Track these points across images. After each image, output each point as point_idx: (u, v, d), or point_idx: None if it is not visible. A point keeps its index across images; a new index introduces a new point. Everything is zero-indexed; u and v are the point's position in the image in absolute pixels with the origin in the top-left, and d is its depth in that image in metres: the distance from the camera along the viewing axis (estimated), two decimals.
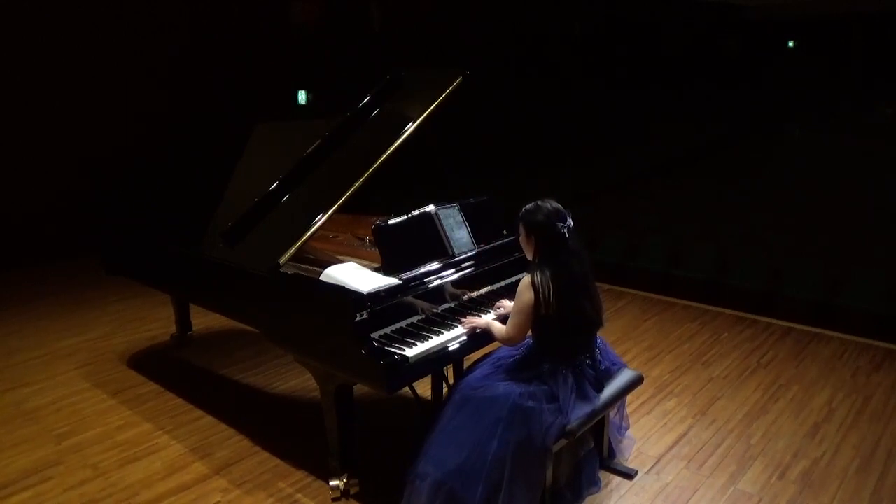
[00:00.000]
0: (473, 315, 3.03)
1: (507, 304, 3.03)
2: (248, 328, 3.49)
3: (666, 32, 13.71)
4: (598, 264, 6.15)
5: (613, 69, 12.97)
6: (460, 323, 2.95)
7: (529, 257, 2.73)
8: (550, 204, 2.67)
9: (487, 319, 2.93)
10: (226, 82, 8.51)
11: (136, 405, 3.98)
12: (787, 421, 3.71)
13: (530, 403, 2.58)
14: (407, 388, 3.22)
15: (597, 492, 2.98)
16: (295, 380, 4.24)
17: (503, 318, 2.90)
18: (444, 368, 3.30)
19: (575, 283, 2.64)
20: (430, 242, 3.21)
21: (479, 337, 2.90)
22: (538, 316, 2.63)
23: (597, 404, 2.74)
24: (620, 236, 6.76)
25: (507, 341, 2.78)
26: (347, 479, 3.01)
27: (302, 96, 9.54)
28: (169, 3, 7.96)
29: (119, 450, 3.48)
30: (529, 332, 2.80)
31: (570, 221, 2.65)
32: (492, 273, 3.32)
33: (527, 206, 2.70)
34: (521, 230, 2.72)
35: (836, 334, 4.96)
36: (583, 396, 2.71)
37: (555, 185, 8.14)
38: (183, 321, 4.84)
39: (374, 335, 2.74)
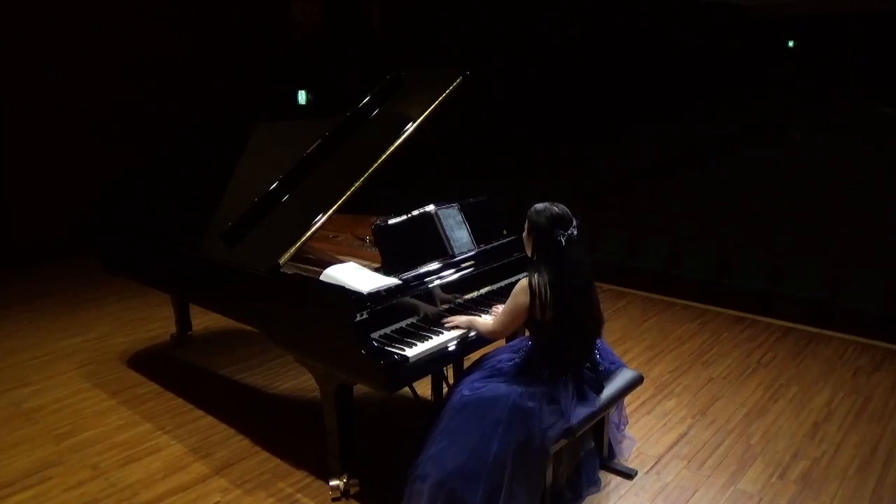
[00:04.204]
0: (467, 315, 3.03)
1: (499, 309, 3.05)
2: (248, 328, 3.50)
3: (666, 32, 13.70)
4: (599, 264, 6.20)
5: (613, 69, 12.98)
6: (444, 327, 2.92)
7: (529, 254, 2.73)
8: (558, 208, 2.64)
9: (470, 317, 2.94)
10: (226, 82, 8.51)
11: (135, 405, 3.98)
12: (787, 421, 3.71)
13: (531, 404, 2.58)
14: (407, 388, 3.23)
15: (597, 492, 2.98)
16: (295, 380, 4.24)
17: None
18: (444, 368, 3.30)
19: (571, 292, 2.62)
20: (430, 242, 3.21)
21: (474, 337, 2.90)
22: (534, 320, 2.63)
23: (597, 405, 2.74)
24: (621, 236, 6.75)
25: (491, 334, 2.83)
26: (347, 479, 3.01)
27: (302, 96, 9.54)
28: (169, 4, 7.97)
29: (119, 450, 3.48)
30: (527, 334, 2.81)
31: (572, 231, 2.60)
32: (492, 273, 3.32)
33: (536, 205, 2.68)
34: (525, 226, 2.71)
35: (836, 334, 4.96)
36: (583, 399, 2.71)
37: (555, 184, 8.14)
38: (183, 321, 4.84)
39: (374, 335, 2.74)
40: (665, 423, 3.68)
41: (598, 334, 2.83)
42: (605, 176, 9.00)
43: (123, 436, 3.63)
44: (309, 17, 9.47)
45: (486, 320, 2.87)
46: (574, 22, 13.43)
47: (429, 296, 3.01)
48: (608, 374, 2.92)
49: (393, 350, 2.70)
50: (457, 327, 2.90)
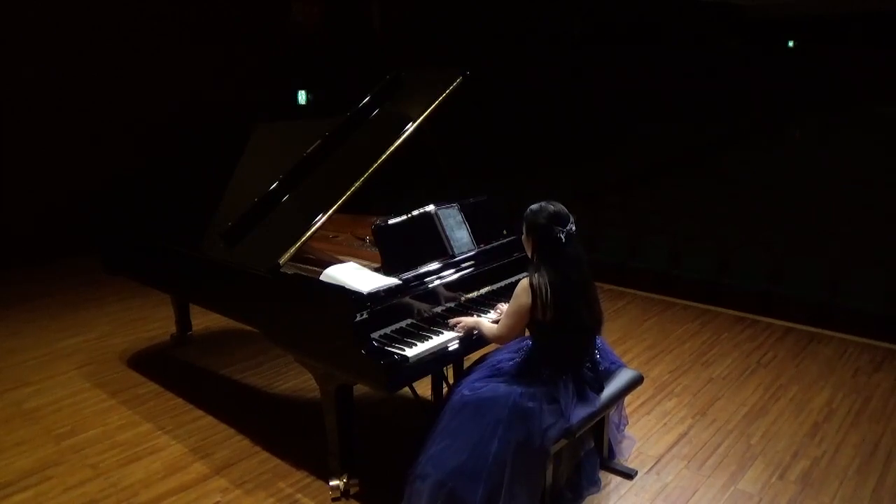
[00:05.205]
0: (468, 315, 3.03)
1: (504, 308, 3.04)
2: (248, 328, 3.49)
3: (666, 31, 13.70)
4: (599, 264, 6.20)
5: (613, 68, 12.98)
6: (448, 325, 2.93)
7: (529, 255, 2.74)
8: (553, 206, 2.66)
9: (477, 318, 2.94)
10: (226, 82, 8.51)
11: (135, 405, 3.98)
12: (787, 421, 3.71)
13: (530, 404, 2.58)
14: (407, 388, 3.23)
15: (597, 492, 2.98)
16: (295, 380, 4.24)
17: (497, 320, 2.92)
18: (444, 368, 3.30)
19: (572, 289, 2.63)
20: (430, 242, 3.21)
21: (477, 337, 2.90)
22: (535, 320, 2.63)
23: (597, 405, 2.74)
24: (621, 236, 6.75)
25: (497, 340, 2.82)
26: (347, 479, 3.01)
27: (302, 96, 9.55)
28: (169, 4, 7.97)
29: (119, 450, 3.49)
30: (527, 333, 2.81)
31: (570, 227, 2.63)
32: (492, 273, 3.31)
33: (532, 206, 2.70)
34: (523, 228, 2.73)
35: (836, 334, 4.96)
36: (583, 399, 2.71)
37: (555, 184, 8.13)
38: (183, 321, 4.84)
39: (374, 335, 2.74)
40: (665, 423, 3.68)
41: (598, 331, 2.83)
42: (605, 176, 8.99)
43: (123, 436, 3.63)
44: (309, 17, 9.47)
45: (491, 325, 2.86)
46: (574, 22, 13.43)
47: (429, 296, 3.00)
48: (608, 374, 2.92)
49: (393, 350, 2.70)
50: (463, 325, 2.90)
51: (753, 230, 6.36)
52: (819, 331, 5.03)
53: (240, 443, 3.53)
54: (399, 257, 3.03)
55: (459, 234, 3.33)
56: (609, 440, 3.17)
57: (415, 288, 2.94)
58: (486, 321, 2.91)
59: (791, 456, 3.36)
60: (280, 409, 3.95)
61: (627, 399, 3.49)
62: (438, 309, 3.05)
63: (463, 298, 3.17)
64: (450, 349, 2.85)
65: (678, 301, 5.74)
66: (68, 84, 7.21)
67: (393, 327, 2.84)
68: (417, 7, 10.61)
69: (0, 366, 4.56)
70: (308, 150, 3.48)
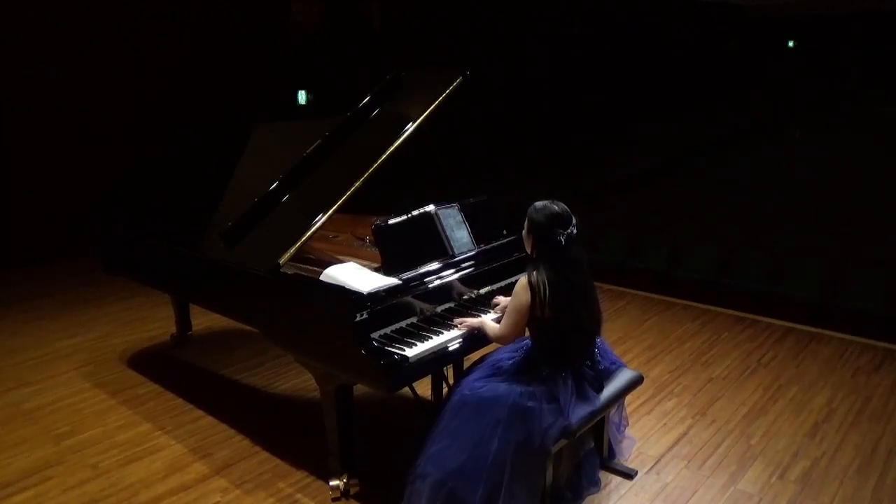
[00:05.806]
0: (470, 315, 3.03)
1: (503, 301, 3.05)
2: (248, 328, 3.50)
3: (666, 31, 13.71)
4: (599, 264, 6.20)
5: (613, 69, 12.99)
6: (454, 324, 2.94)
7: (529, 251, 2.74)
8: (557, 207, 2.66)
9: (481, 318, 2.94)
10: (226, 82, 8.50)
11: (135, 405, 3.98)
12: (787, 421, 3.71)
13: (530, 403, 2.58)
14: (407, 388, 3.23)
15: (597, 492, 2.98)
16: (295, 380, 4.24)
17: (499, 319, 2.92)
18: (444, 368, 3.30)
19: (570, 290, 2.63)
20: (430, 242, 3.21)
21: (479, 337, 2.90)
22: (534, 317, 2.63)
23: (597, 405, 2.74)
24: (621, 236, 6.76)
25: (500, 340, 2.82)
26: (347, 479, 3.01)
27: (302, 96, 9.54)
28: (169, 4, 7.96)
29: (119, 450, 3.49)
30: (527, 333, 2.81)
31: (571, 230, 2.63)
32: (492, 273, 3.32)
33: (536, 203, 2.70)
34: (525, 224, 2.73)
35: (836, 334, 4.95)
36: (583, 397, 2.71)
37: (555, 184, 8.14)
38: (183, 321, 4.84)
39: (374, 335, 2.75)
40: (665, 423, 3.68)
41: (598, 332, 2.83)
42: (605, 176, 9.00)
43: (123, 436, 3.63)
44: (309, 17, 9.47)
45: (493, 325, 2.86)
46: (574, 22, 13.43)
47: (429, 296, 3.01)
48: (608, 375, 2.92)
49: (393, 350, 2.70)
50: (468, 326, 2.90)
51: (753, 230, 6.37)
52: (819, 331, 5.02)
53: (240, 443, 3.53)
54: (399, 257, 3.03)
55: (459, 234, 3.33)
56: (609, 440, 3.17)
57: (415, 288, 2.95)
58: (490, 321, 2.92)
59: (791, 456, 3.36)
60: (280, 409, 3.95)
61: (627, 399, 3.49)
62: (438, 309, 3.05)
63: (463, 298, 3.17)
64: (450, 349, 2.85)
65: (678, 301, 5.74)
66: (68, 84, 7.20)
67: (393, 327, 2.84)
68: (417, 7, 10.61)
69: (0, 366, 4.56)
70: (308, 151, 3.48)
